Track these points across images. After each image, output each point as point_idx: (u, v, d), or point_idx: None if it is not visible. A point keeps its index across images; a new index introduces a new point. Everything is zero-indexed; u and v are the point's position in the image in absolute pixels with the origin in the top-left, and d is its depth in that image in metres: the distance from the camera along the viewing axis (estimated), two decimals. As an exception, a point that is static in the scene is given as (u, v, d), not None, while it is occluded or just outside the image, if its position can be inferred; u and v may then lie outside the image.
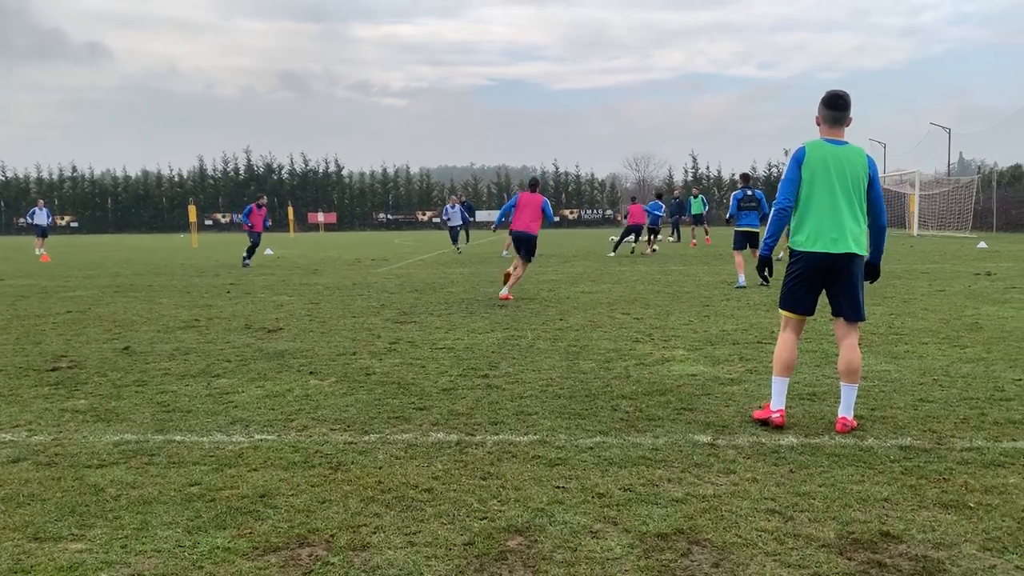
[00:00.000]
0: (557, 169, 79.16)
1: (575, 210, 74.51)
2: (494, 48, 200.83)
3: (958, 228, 35.83)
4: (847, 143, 4.95)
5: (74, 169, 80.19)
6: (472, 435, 4.86)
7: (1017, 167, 45.22)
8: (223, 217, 76.06)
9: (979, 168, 46.03)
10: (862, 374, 5.43)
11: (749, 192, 14.28)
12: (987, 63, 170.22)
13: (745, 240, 14.05)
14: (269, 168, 79.13)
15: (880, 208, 4.99)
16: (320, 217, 72.73)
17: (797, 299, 5.00)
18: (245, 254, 21.18)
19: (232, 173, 78.89)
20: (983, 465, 4.21)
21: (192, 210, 35.11)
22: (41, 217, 30.24)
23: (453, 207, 27.61)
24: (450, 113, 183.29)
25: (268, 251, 27.88)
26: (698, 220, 30.94)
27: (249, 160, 79.21)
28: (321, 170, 79.08)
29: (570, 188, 78.09)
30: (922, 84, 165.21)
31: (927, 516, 3.55)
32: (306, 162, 79.02)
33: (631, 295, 12.49)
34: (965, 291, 12.33)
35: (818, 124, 5.02)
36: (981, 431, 4.83)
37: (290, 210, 56.14)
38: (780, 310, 5.14)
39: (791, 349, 5.05)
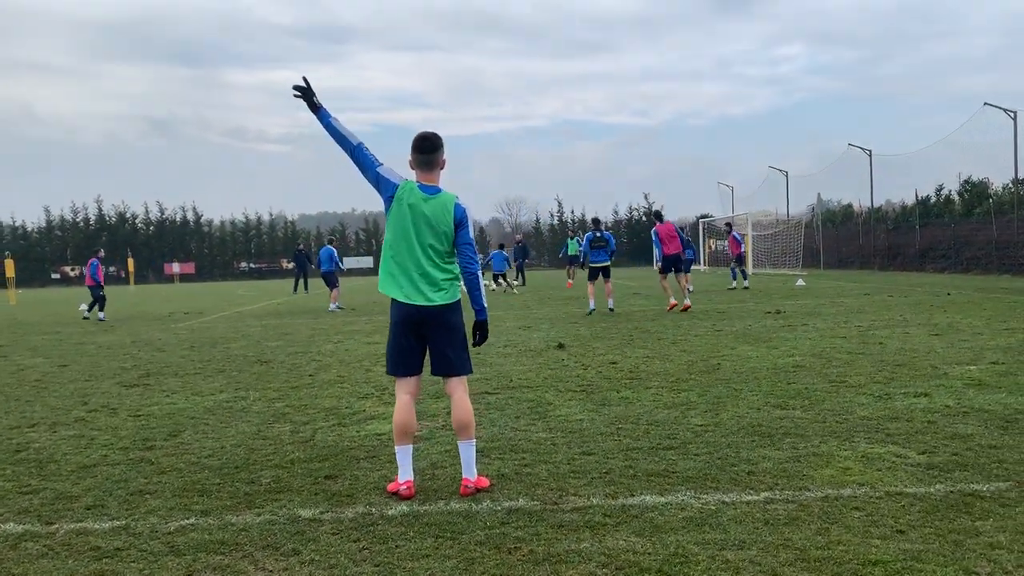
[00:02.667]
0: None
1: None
2: (375, 94, 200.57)
3: (791, 266, 37.54)
4: (440, 191, 4.78)
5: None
6: (50, 523, 4.34)
7: (849, 206, 47.98)
8: (71, 270, 72.03)
9: (812, 208, 48.60)
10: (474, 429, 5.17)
11: (599, 234, 16.97)
12: (840, 110, 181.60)
13: (598, 272, 16.91)
14: (122, 217, 75.72)
15: (467, 255, 4.75)
16: (176, 268, 69.90)
17: (399, 359, 4.76)
18: (99, 311, 20.27)
19: (82, 223, 75.00)
20: (573, 528, 4.02)
21: (9, 264, 32.86)
22: None
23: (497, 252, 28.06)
24: (332, 159, 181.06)
25: (82, 307, 26.26)
26: (573, 261, 31.47)
27: (100, 209, 75.61)
28: (178, 218, 76.28)
29: (438, 233, 77.96)
30: (783, 129, 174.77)
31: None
32: (162, 211, 76.13)
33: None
34: (740, 330, 12.62)
35: (411, 168, 4.85)
36: (610, 486, 4.67)
37: (130, 261, 53.66)
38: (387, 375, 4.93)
39: (404, 413, 4.75)
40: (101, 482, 5.12)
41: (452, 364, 4.76)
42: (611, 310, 16.97)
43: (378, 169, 4.77)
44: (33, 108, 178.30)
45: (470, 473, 4.69)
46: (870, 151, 41.03)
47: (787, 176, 49.34)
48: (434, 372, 4.84)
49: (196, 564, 3.69)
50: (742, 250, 26.25)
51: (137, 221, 76.08)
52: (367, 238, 76.38)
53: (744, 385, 7.80)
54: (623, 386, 7.97)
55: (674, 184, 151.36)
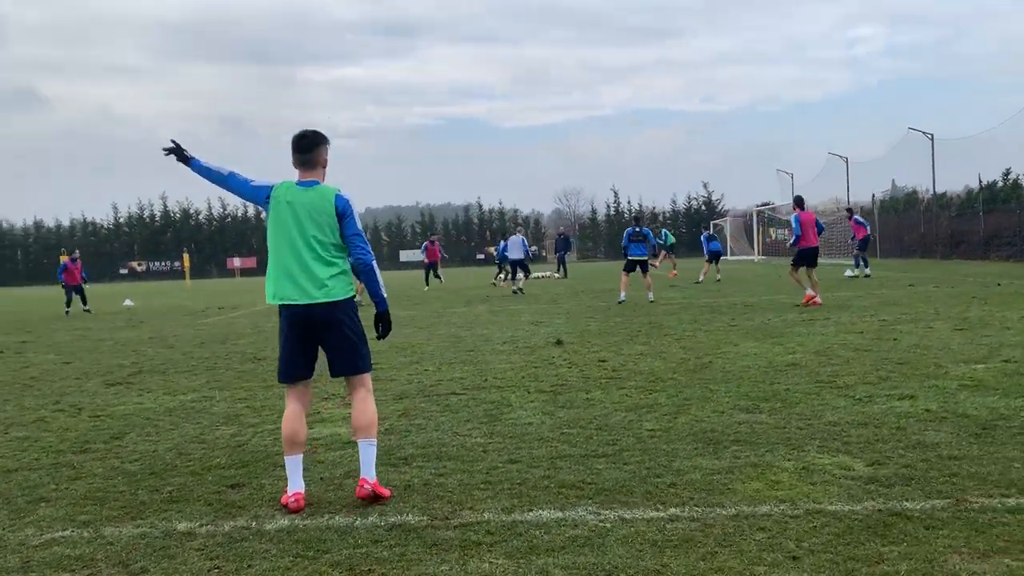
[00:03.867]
0: (481, 207, 79.18)
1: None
2: (441, 87, 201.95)
3: (847, 255, 36.27)
4: (318, 184, 4.56)
5: (-18, 220, 77.75)
6: (-72, 532, 4.26)
7: (913, 193, 46.17)
8: (139, 266, 74.32)
9: (873, 196, 46.88)
10: (376, 429, 4.85)
11: (638, 229, 18.25)
12: (919, 92, 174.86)
13: (635, 265, 18.00)
14: (186, 213, 77.71)
15: (357, 245, 4.50)
16: (237, 262, 71.38)
17: (287, 364, 4.55)
18: (82, 304, 22.56)
19: (148, 220, 77.24)
20: (445, 548, 3.75)
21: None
22: None
23: (508, 240, 25.13)
24: (398, 153, 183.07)
25: (127, 302, 26.90)
26: (670, 250, 30.98)
27: (165, 206, 77.73)
28: (240, 214, 77.89)
29: (494, 225, 78.03)
30: (858, 114, 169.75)
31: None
32: (224, 206, 77.85)
33: (419, 340, 12.01)
34: (756, 325, 12.11)
35: (295, 167, 4.63)
36: (513, 499, 4.39)
37: (185, 257, 54.79)
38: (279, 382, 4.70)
39: (293, 421, 4.55)
40: (9, 488, 5.05)
41: (348, 363, 4.56)
42: (651, 302, 17.38)
43: (251, 184, 4.61)
44: (112, 109, 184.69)
45: (369, 473, 4.47)
46: (932, 135, 39.36)
47: (847, 162, 47.76)
48: (333, 374, 4.64)
49: (39, 581, 3.55)
50: (868, 234, 24.32)
51: (200, 217, 77.97)
52: (423, 231, 76.78)
53: (722, 386, 7.39)
54: (597, 386, 7.64)
55: (740, 171, 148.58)
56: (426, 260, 27.92)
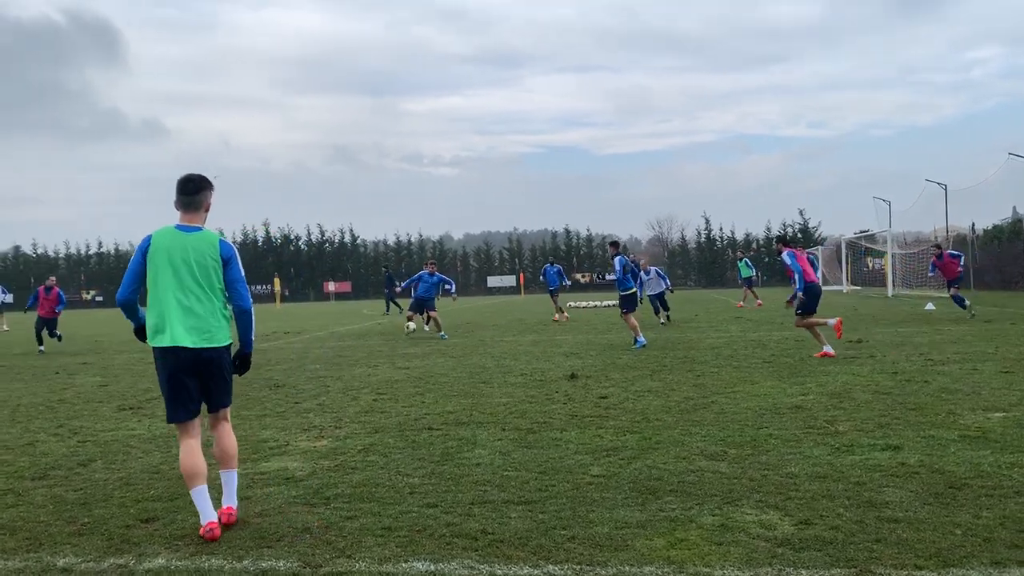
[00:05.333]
0: (568, 233, 79.10)
1: (587, 274, 73.88)
2: (544, 116, 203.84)
3: (936, 287, 34.45)
4: (201, 229, 4.62)
5: (100, 245, 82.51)
6: None
7: (1018, 221, 43.52)
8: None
9: (972, 225, 44.39)
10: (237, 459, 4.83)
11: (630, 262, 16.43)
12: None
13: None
14: (286, 239, 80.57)
15: (238, 291, 4.64)
16: (332, 286, 73.40)
17: (176, 405, 4.60)
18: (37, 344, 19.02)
19: (251, 245, 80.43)
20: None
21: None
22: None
23: (647, 271, 20.64)
24: (497, 180, 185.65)
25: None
26: (748, 283, 30.30)
27: (267, 232, 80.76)
28: (336, 240, 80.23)
29: (581, 251, 77.80)
30: (972, 138, 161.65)
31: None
32: (322, 232, 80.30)
33: (435, 371, 11.97)
34: (792, 363, 11.56)
35: (176, 209, 4.67)
36: (402, 547, 4.25)
37: (276, 282, 56.60)
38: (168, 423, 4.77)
39: (192, 456, 4.61)
40: (-56, 513, 5.22)
41: (222, 399, 4.78)
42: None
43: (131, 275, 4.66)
44: (231, 139, 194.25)
45: (231, 501, 4.71)
46: (1036, 160, 36.99)
47: (946, 190, 45.47)
48: (210, 409, 4.82)
49: None
50: (961, 270, 20.83)
51: (300, 242, 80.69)
52: (510, 257, 77.24)
53: (704, 428, 7.05)
54: (576, 425, 7.41)
55: (842, 198, 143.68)
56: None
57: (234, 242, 74.94)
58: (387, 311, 32.17)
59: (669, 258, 78.93)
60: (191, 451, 4.59)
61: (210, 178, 4.69)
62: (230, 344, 4.68)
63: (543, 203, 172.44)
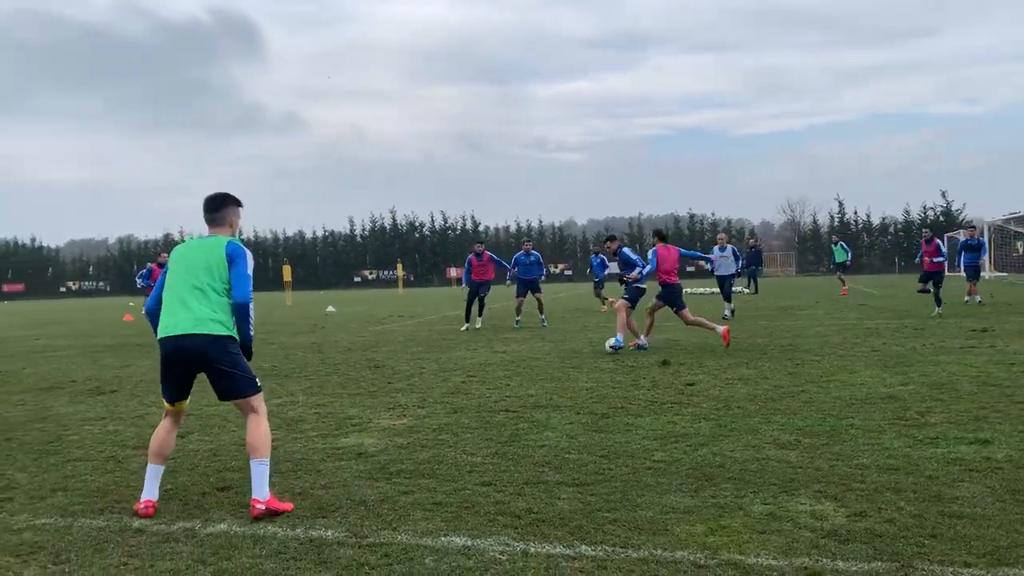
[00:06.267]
0: (692, 217, 77.59)
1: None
2: (671, 98, 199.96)
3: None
4: (216, 236, 4.88)
5: (240, 233, 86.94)
6: (-43, 509, 4.97)
7: None
8: (370, 274, 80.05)
9: None
10: (267, 449, 4.75)
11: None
12: None
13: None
14: (412, 226, 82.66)
15: (238, 286, 4.74)
16: (453, 272, 74.79)
17: (164, 387, 4.85)
18: None
19: (378, 232, 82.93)
20: (320, 562, 3.84)
21: (287, 270, 37.26)
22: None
23: (723, 248, 19.41)
24: (623, 164, 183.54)
25: (330, 308, 29.12)
26: (841, 268, 29.08)
27: (394, 219, 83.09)
28: (459, 226, 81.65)
29: (706, 237, 76.14)
30: None
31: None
32: (445, 219, 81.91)
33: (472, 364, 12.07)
34: (901, 352, 11.02)
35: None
36: (440, 523, 4.38)
37: (399, 268, 58.03)
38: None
39: (159, 434, 4.85)
40: (40, 464, 5.74)
41: (228, 391, 4.81)
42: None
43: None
44: (364, 131, 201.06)
45: (259, 493, 4.64)
46: None
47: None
48: (224, 400, 4.95)
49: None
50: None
51: (424, 229, 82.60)
52: (631, 242, 76.45)
53: (784, 417, 6.86)
54: (653, 411, 7.36)
55: (999, 178, 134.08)
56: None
57: (362, 230, 77.64)
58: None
59: (800, 243, 76.13)
60: (161, 429, 4.85)
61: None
62: (224, 336, 4.70)
63: (669, 187, 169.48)
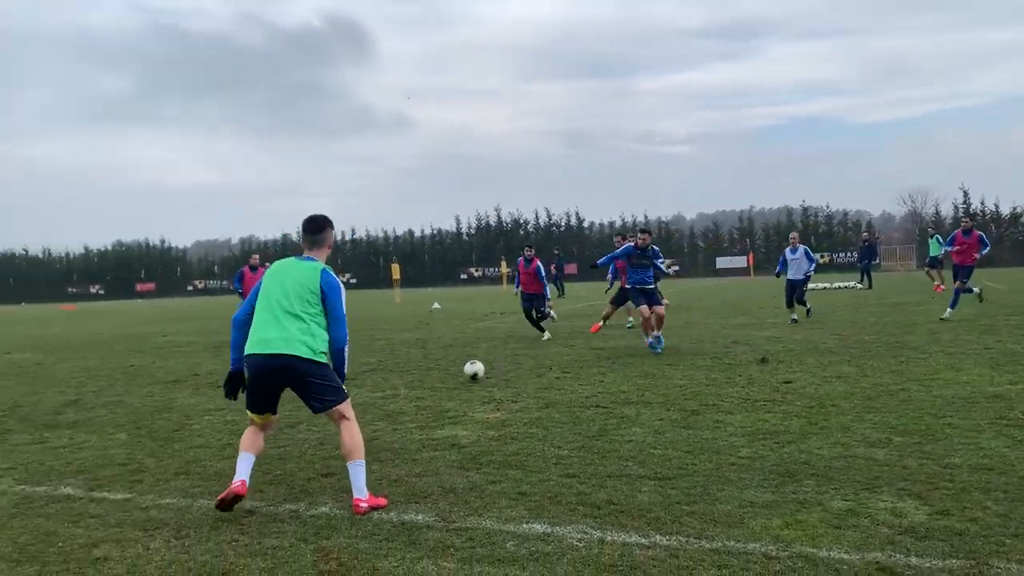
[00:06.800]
0: (805, 210, 75.26)
1: (826, 254, 69.91)
2: (784, 87, 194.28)
3: None
4: (314, 260, 5.02)
5: (353, 232, 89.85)
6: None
7: None
8: (476, 271, 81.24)
9: None
10: (362, 452, 4.88)
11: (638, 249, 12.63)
12: None
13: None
14: (516, 223, 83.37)
15: (334, 327, 4.89)
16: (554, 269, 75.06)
17: (250, 400, 5.02)
18: None
19: (484, 230, 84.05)
20: (408, 544, 4.13)
21: (395, 268, 38.27)
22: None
23: (794, 249, 16.78)
24: (732, 156, 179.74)
25: (435, 305, 29.82)
26: (933, 263, 27.55)
27: (499, 217, 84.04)
28: (563, 223, 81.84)
29: (820, 230, 73.76)
30: None
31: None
32: (549, 216, 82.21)
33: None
34: (1018, 350, 10.57)
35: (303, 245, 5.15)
36: (523, 511, 4.62)
37: (503, 265, 58.51)
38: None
39: (251, 435, 5.07)
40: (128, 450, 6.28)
41: (316, 404, 4.95)
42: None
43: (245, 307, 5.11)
44: (471, 130, 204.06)
45: (359, 493, 4.82)
46: None
47: None
48: (314, 412, 5.06)
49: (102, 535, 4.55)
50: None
51: (528, 226, 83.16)
52: (740, 236, 74.84)
53: (879, 416, 6.78)
54: (745, 408, 7.38)
55: None
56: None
57: (468, 228, 78.93)
58: (561, 294, 32.26)
59: (920, 235, 72.71)
60: (250, 431, 5.09)
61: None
62: (311, 359, 4.79)
63: (782, 178, 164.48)
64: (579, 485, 5.11)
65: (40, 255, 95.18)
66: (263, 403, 4.99)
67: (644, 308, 12.09)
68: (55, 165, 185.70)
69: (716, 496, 4.77)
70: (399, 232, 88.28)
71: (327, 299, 4.89)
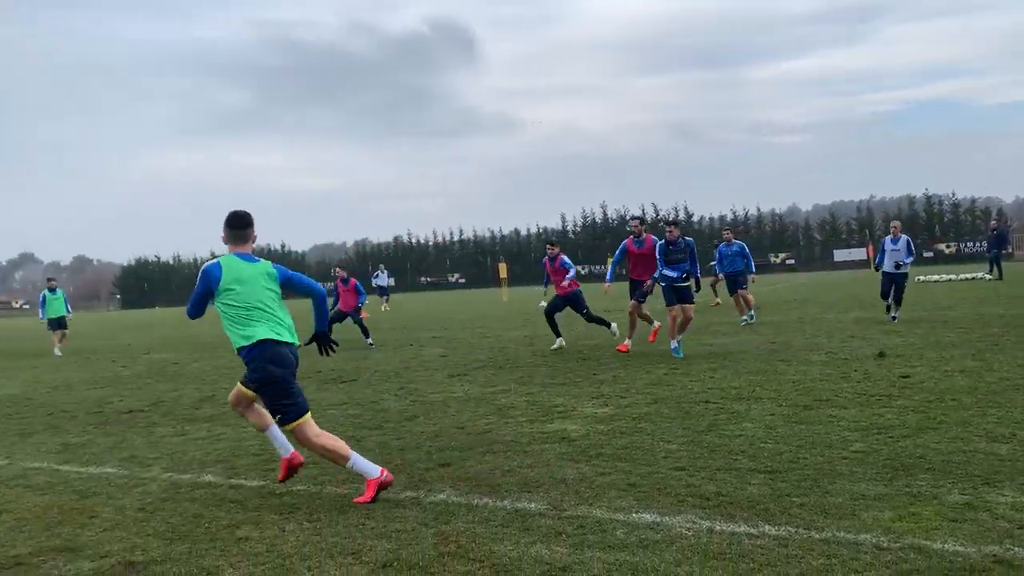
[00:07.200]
0: (928, 198, 71.80)
1: (952, 244, 66.55)
2: (904, 70, 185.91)
3: None
4: (258, 260, 5.42)
5: (461, 232, 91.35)
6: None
7: None
8: (582, 269, 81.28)
9: None
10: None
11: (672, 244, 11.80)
12: None
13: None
14: (622, 219, 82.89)
15: (307, 285, 5.61)
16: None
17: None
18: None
19: (590, 227, 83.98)
20: (526, 529, 4.33)
21: (503, 267, 38.82)
22: (382, 279, 36.44)
23: (896, 239, 15.24)
24: (850, 144, 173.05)
25: (542, 303, 29.98)
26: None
27: (605, 214, 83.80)
28: (671, 218, 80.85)
29: (945, 219, 70.28)
30: None
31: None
32: (656, 211, 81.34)
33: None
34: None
35: (225, 243, 5.41)
36: (632, 501, 4.75)
37: (608, 261, 58.23)
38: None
39: (258, 414, 5.57)
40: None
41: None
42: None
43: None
44: (575, 126, 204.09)
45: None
46: None
47: None
48: None
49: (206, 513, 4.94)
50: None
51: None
52: (860, 228, 72.08)
53: (1001, 411, 6.59)
54: (861, 403, 7.27)
55: None
56: None
57: (574, 225, 78.93)
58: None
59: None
60: (253, 413, 5.62)
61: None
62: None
63: (903, 165, 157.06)
64: (688, 478, 5.21)
65: (171, 261, 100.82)
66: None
67: (675, 309, 11.67)
68: (180, 174, 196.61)
69: (827, 489, 4.78)
70: (506, 232, 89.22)
71: (291, 278, 5.52)
